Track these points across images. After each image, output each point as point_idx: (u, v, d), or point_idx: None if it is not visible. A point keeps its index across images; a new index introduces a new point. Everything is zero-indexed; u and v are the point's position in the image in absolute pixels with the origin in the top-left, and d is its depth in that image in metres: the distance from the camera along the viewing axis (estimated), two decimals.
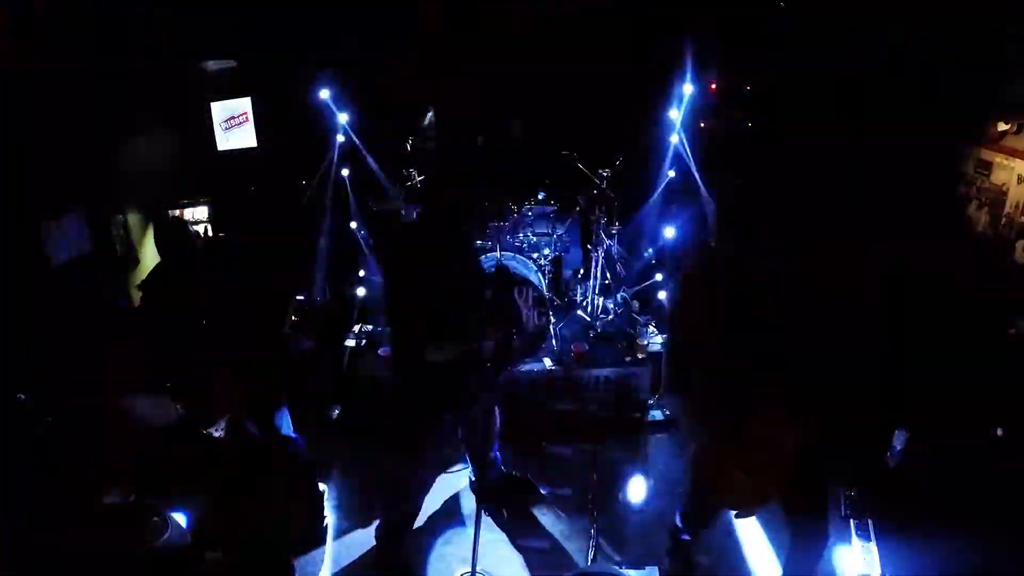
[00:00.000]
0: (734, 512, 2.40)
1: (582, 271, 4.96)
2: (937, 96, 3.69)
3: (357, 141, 4.87)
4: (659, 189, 5.15)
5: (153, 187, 4.58)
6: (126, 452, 3.35)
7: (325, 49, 4.60)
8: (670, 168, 5.00)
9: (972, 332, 3.41)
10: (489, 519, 2.43)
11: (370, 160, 4.98)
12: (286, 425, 3.01)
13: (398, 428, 2.60)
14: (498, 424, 3.04)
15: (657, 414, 4.08)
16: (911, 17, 3.30)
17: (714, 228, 2.27)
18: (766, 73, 4.68)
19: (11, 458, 2.84)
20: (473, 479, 3.38)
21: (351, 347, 4.52)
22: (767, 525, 3.13)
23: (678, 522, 2.99)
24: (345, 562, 3.10)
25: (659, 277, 5.11)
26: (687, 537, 2.97)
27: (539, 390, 4.19)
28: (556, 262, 4.97)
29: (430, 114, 5.03)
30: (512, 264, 4.08)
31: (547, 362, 4.20)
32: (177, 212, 4.64)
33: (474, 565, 2.23)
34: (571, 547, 3.16)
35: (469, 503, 3.43)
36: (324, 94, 4.58)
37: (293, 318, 2.86)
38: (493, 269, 3.40)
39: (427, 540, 3.22)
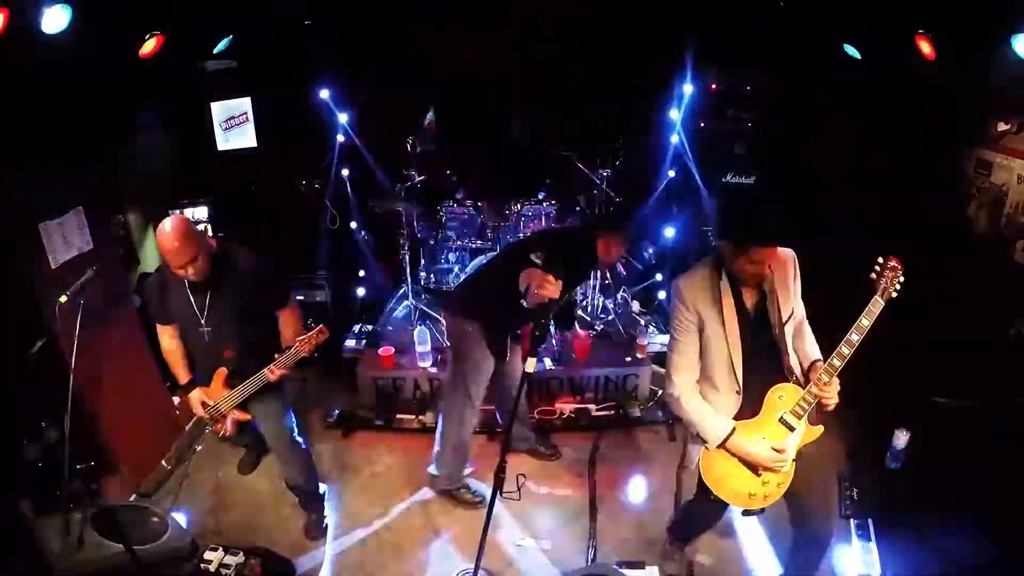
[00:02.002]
0: (741, 511, 2.39)
1: None
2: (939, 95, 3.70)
3: (357, 141, 4.87)
4: (659, 189, 5.15)
5: (153, 187, 4.59)
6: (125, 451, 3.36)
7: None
8: (670, 168, 5.00)
9: (972, 332, 3.41)
10: (492, 519, 2.45)
11: (370, 160, 4.98)
12: (290, 425, 3.00)
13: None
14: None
15: (658, 413, 4.08)
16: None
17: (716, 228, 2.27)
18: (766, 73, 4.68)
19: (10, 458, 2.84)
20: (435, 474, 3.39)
21: (351, 347, 4.54)
22: (767, 525, 3.13)
23: (679, 520, 3.00)
24: (345, 562, 3.11)
25: (659, 277, 5.11)
26: (687, 537, 2.98)
27: (539, 390, 4.20)
28: None
29: (430, 114, 5.02)
30: None
31: (547, 362, 4.21)
32: (177, 212, 4.63)
33: (478, 563, 2.22)
34: (571, 547, 3.16)
35: None
36: (324, 94, 4.58)
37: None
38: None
39: (429, 538, 3.22)
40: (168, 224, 2.49)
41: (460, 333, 3.03)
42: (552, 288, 2.32)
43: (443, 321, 4.49)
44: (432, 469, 3.35)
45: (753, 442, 2.21)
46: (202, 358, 2.85)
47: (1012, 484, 2.86)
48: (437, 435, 3.27)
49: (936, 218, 3.90)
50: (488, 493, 3.28)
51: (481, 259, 4.67)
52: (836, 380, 2.14)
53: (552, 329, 3.75)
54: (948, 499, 3.00)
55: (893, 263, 2.04)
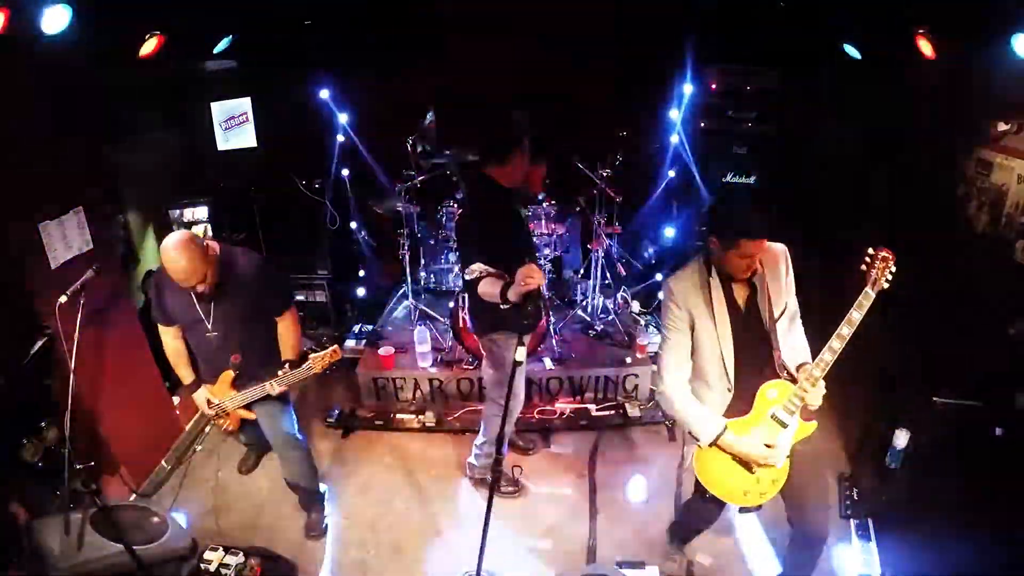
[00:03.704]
0: (737, 508, 2.39)
1: (582, 271, 4.96)
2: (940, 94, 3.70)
3: (357, 141, 4.87)
4: (659, 189, 5.15)
5: (153, 187, 4.59)
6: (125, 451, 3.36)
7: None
8: (670, 168, 5.00)
9: (972, 332, 3.40)
10: (494, 520, 2.45)
11: (370, 160, 4.98)
12: (291, 424, 3.00)
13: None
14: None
15: (657, 413, 4.08)
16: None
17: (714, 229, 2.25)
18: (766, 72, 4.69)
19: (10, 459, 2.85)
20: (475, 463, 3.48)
21: (351, 347, 4.54)
22: (767, 525, 3.14)
23: (678, 520, 3.00)
24: (345, 562, 3.11)
25: (659, 277, 5.11)
26: (687, 536, 2.98)
27: (539, 390, 4.20)
28: (556, 262, 4.97)
29: (430, 114, 5.02)
30: None
31: (547, 362, 4.21)
32: (177, 212, 4.64)
33: (480, 564, 2.22)
34: (571, 547, 3.16)
35: (472, 503, 3.44)
36: (324, 94, 4.58)
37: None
38: None
39: (430, 540, 3.22)
40: (174, 246, 2.40)
41: (489, 346, 3.11)
42: (537, 276, 2.38)
43: (443, 321, 4.51)
44: (472, 459, 3.48)
45: (745, 439, 2.21)
46: (209, 359, 2.84)
47: (1012, 484, 2.86)
48: (482, 427, 3.39)
49: (936, 218, 3.90)
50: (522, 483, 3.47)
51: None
52: (821, 383, 2.13)
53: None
54: (948, 499, 3.00)
55: (884, 254, 2.01)
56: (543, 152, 3.47)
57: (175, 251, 2.40)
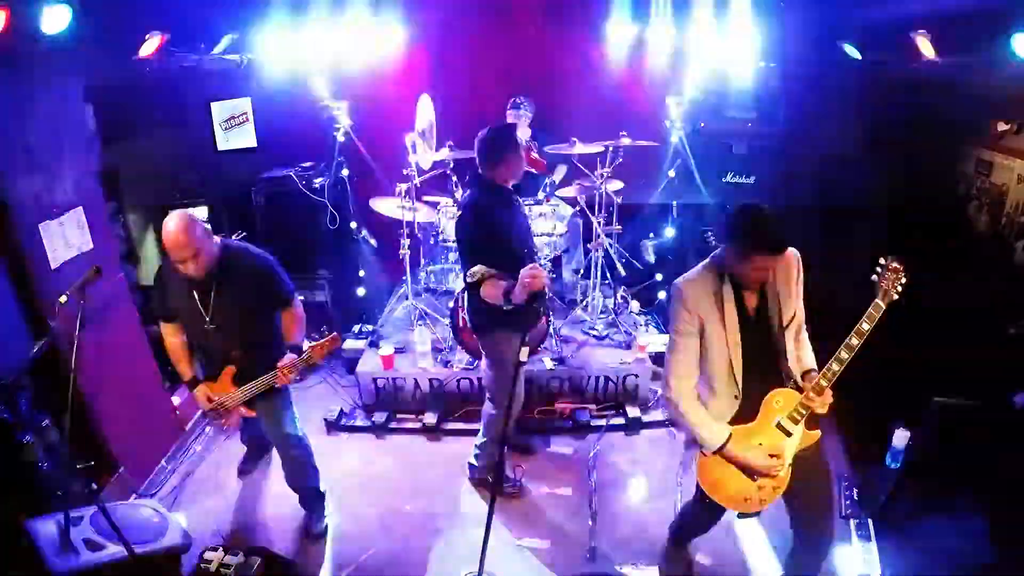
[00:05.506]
0: (737, 513, 2.38)
1: (582, 271, 4.96)
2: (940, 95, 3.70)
3: (357, 141, 4.87)
4: (659, 189, 5.15)
5: (153, 187, 4.59)
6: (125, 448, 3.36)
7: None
8: (670, 168, 5.00)
9: (972, 332, 3.40)
10: (494, 520, 2.45)
11: (370, 159, 4.98)
12: (292, 424, 3.00)
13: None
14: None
15: (657, 414, 4.08)
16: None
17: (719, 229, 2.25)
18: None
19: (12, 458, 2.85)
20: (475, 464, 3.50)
21: (352, 347, 4.54)
22: (767, 526, 3.13)
23: (678, 522, 2.99)
24: (345, 562, 3.11)
25: (659, 277, 5.11)
26: (687, 538, 2.98)
27: (539, 390, 4.20)
28: (556, 262, 4.97)
29: (431, 113, 5.01)
30: None
31: (547, 362, 4.20)
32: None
33: (482, 565, 2.22)
34: (571, 547, 3.16)
35: (472, 504, 3.44)
36: (324, 93, 4.58)
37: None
38: None
39: (431, 541, 3.22)
40: (173, 218, 2.53)
41: (490, 345, 3.11)
42: (540, 276, 2.44)
43: (443, 321, 4.51)
44: (472, 459, 3.49)
45: (749, 448, 2.19)
46: (208, 354, 2.86)
47: (1012, 484, 2.86)
48: (482, 427, 3.39)
49: (936, 218, 3.91)
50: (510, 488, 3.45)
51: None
52: (828, 392, 2.12)
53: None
54: (948, 499, 3.00)
55: (895, 265, 2.00)
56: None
57: (171, 220, 2.52)
